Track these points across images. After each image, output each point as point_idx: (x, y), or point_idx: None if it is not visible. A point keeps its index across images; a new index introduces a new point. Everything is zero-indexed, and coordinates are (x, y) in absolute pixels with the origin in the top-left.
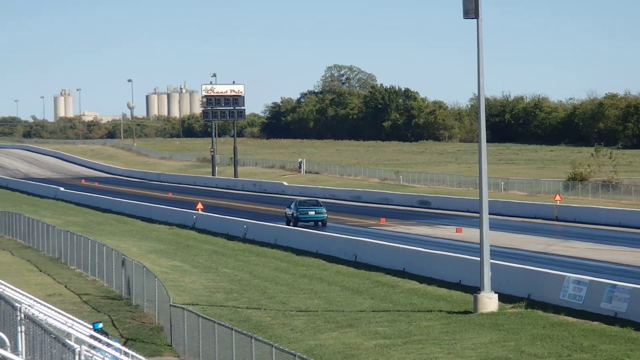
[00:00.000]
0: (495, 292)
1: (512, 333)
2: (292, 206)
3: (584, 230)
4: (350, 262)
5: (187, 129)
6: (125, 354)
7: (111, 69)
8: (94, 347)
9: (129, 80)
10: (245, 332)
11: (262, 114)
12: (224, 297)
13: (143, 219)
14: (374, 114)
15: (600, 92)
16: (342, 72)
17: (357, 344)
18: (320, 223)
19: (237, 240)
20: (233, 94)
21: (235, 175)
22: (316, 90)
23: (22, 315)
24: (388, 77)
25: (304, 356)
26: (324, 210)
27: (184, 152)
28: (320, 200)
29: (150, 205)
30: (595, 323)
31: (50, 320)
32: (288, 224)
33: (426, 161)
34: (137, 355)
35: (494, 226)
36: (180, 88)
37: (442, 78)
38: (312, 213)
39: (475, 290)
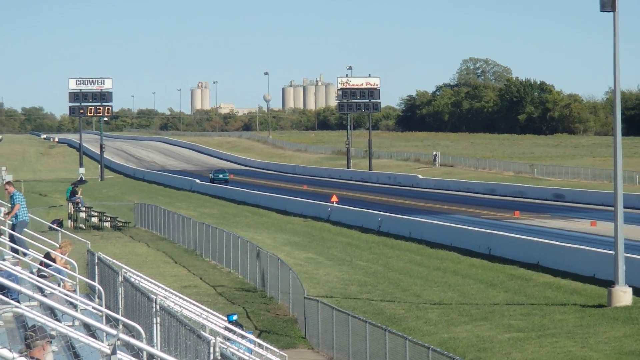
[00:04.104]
0: (630, 286)
1: None
2: (211, 172)
3: None
4: (484, 255)
5: (322, 122)
6: (260, 345)
7: (248, 62)
8: (228, 339)
9: (266, 73)
10: (378, 324)
11: (397, 107)
12: (358, 289)
13: (278, 211)
14: (509, 107)
15: None
16: (477, 65)
17: (490, 337)
18: (225, 182)
19: (371, 233)
20: (369, 86)
21: (370, 167)
22: (451, 83)
23: (158, 307)
24: (523, 70)
25: (438, 349)
26: (227, 174)
27: (319, 145)
28: (226, 169)
29: (285, 197)
30: None
31: (185, 312)
32: (210, 182)
33: (561, 154)
34: (272, 347)
35: (628, 220)
36: (316, 81)
37: (578, 71)
38: (221, 176)
39: (609, 284)
